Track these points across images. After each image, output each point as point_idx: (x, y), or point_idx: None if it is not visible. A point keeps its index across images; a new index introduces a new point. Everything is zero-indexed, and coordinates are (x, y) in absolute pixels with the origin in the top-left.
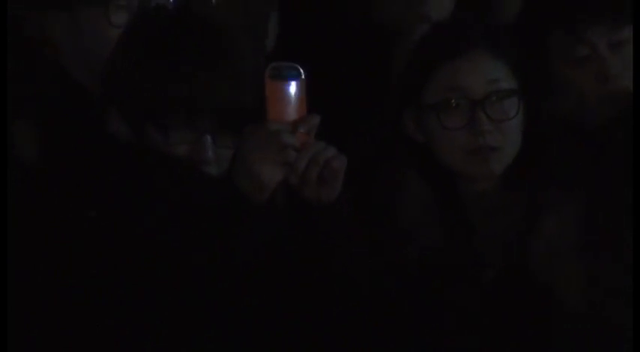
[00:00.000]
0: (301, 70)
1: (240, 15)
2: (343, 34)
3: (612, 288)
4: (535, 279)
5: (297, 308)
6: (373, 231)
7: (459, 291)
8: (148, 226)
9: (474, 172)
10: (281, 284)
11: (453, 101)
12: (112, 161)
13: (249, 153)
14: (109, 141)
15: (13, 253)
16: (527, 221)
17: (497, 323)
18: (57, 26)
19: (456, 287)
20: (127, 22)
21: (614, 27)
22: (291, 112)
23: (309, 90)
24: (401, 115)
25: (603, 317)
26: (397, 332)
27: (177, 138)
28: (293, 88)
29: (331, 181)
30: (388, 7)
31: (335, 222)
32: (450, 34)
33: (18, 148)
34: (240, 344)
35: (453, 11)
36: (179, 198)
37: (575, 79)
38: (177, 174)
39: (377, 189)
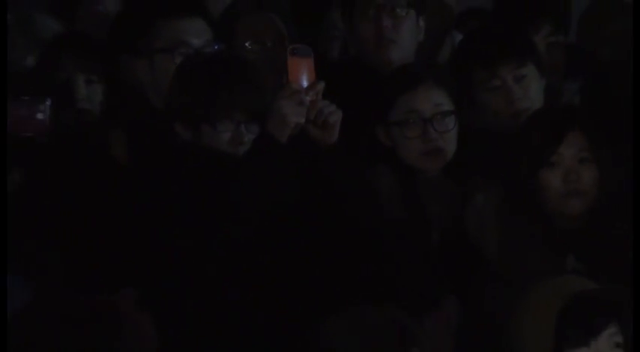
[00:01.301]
0: (311, 51)
1: (266, 57)
2: (336, 74)
3: (522, 243)
4: (467, 239)
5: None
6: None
7: (413, 247)
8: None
9: (426, 166)
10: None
11: (410, 119)
12: (178, 153)
13: (279, 102)
14: (174, 141)
15: (116, 230)
16: (462, 198)
17: (440, 269)
18: (140, 68)
19: (409, 242)
20: (181, 61)
21: (517, 66)
22: (304, 78)
23: None
24: (375, 128)
25: (515, 264)
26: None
27: (223, 128)
28: (306, 61)
29: (330, 127)
30: (365, 53)
31: (332, 159)
32: (407, 73)
33: (113, 149)
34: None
35: (414, 55)
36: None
37: (491, 102)
38: (218, 155)
39: (360, 178)
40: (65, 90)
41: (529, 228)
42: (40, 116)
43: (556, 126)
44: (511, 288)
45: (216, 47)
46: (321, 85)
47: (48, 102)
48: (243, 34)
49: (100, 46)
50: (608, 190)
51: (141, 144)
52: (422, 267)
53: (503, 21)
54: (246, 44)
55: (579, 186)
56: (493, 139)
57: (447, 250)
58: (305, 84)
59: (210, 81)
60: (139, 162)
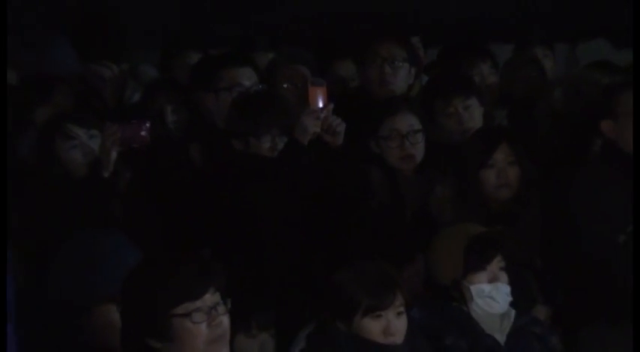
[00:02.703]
0: (324, 82)
1: (296, 93)
2: (346, 102)
3: (467, 218)
4: (431, 216)
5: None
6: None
7: (392, 221)
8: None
9: (403, 167)
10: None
11: (392, 135)
12: (235, 158)
13: (302, 118)
14: (232, 150)
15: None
16: (427, 189)
17: (412, 236)
18: (209, 100)
19: (392, 219)
20: (236, 96)
21: (465, 99)
22: (320, 101)
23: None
24: (369, 140)
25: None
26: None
27: (264, 141)
28: (321, 89)
29: (337, 134)
30: (371, 89)
31: (339, 155)
32: (390, 103)
33: (191, 155)
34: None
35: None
36: (265, 165)
37: (447, 123)
38: (261, 158)
39: (358, 174)
40: (159, 116)
41: (472, 208)
42: (143, 133)
43: (491, 140)
44: None
45: (260, 87)
46: (331, 106)
47: (148, 124)
48: (281, 78)
49: (182, 86)
50: (526, 183)
51: (210, 152)
52: (400, 235)
53: (458, 61)
54: (284, 85)
55: (507, 180)
56: (448, 149)
57: (417, 223)
58: (320, 105)
59: (255, 109)
60: (209, 164)
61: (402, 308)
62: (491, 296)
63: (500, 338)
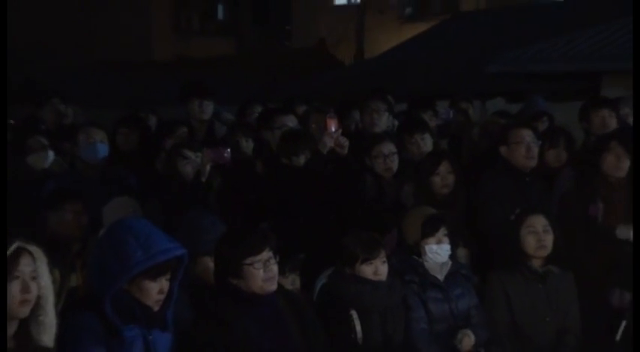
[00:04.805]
0: (335, 115)
1: (320, 132)
2: (352, 136)
3: (424, 202)
4: (401, 204)
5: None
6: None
7: (377, 207)
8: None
9: (385, 175)
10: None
11: (379, 155)
12: (282, 169)
13: (323, 137)
14: (281, 164)
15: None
16: (399, 187)
17: (390, 216)
18: (268, 135)
19: (377, 206)
20: (283, 132)
21: (422, 133)
22: (333, 127)
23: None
24: (364, 158)
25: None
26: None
27: (302, 157)
28: (334, 120)
29: (344, 147)
30: (365, 128)
31: (346, 162)
32: (377, 136)
33: (257, 168)
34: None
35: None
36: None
37: (411, 149)
38: (299, 167)
39: (357, 179)
40: (236, 144)
41: (426, 200)
42: (226, 155)
43: (437, 158)
44: None
45: (298, 126)
46: (339, 130)
47: (229, 150)
48: (311, 122)
49: (251, 126)
50: (459, 183)
51: (268, 166)
52: (382, 215)
53: (417, 111)
54: (312, 126)
55: (447, 183)
56: (412, 164)
57: (393, 209)
58: (333, 129)
59: (295, 140)
60: (267, 173)
61: (384, 258)
62: (437, 252)
63: (441, 277)
